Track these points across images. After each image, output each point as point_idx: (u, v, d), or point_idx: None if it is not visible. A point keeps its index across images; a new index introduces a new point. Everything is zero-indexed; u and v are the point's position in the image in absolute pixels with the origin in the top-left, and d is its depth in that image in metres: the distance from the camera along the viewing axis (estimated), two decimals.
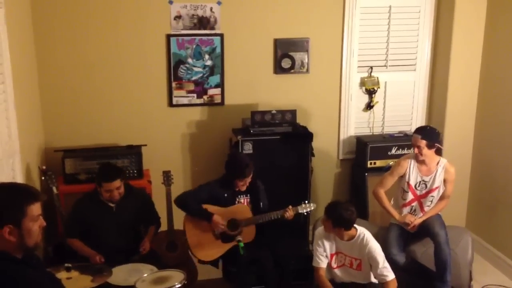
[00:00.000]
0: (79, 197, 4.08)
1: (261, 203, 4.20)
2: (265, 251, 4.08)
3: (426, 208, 4.22)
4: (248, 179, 4.11)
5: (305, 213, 4.19)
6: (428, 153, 4.13)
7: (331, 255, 3.73)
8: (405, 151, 4.99)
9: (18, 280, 2.10)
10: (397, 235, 4.20)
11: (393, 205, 4.34)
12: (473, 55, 5.15)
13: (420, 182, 4.20)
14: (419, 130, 4.20)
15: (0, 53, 3.47)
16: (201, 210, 4.07)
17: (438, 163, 4.20)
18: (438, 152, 4.25)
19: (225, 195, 4.14)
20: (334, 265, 3.75)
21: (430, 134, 4.15)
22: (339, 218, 3.57)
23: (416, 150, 4.12)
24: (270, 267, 4.03)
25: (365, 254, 3.64)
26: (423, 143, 4.09)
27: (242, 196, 4.21)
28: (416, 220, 4.17)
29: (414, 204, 4.24)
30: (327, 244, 3.72)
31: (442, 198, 4.25)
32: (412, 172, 4.20)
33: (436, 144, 4.15)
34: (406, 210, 4.25)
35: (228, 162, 4.25)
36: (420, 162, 4.19)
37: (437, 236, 4.05)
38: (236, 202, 4.19)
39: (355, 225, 3.66)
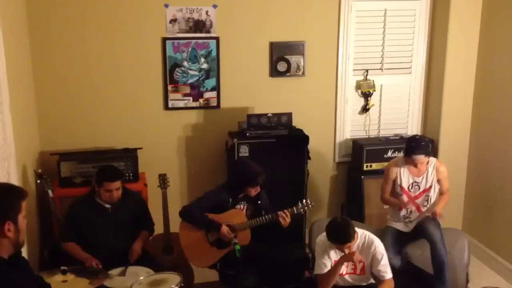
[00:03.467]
0: (74, 200, 4.06)
1: (263, 211, 4.18)
2: (269, 252, 4.10)
3: (423, 209, 4.23)
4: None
5: (302, 212, 4.19)
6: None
7: (335, 262, 3.71)
8: (401, 154, 4.99)
9: (1, 281, 2.09)
10: (393, 238, 4.20)
11: (389, 209, 4.35)
12: (469, 58, 5.17)
13: (412, 183, 4.22)
14: (420, 149, 4.11)
15: None
16: (207, 221, 4.06)
17: (427, 163, 4.23)
18: None
19: (229, 200, 4.14)
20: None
21: (428, 148, 4.20)
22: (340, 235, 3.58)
23: (418, 166, 4.17)
24: (279, 267, 4.06)
25: (369, 253, 3.66)
26: (426, 159, 4.17)
27: (243, 202, 4.20)
28: (438, 209, 4.17)
29: (409, 206, 4.25)
30: (332, 252, 3.70)
31: (441, 194, 4.28)
32: (403, 175, 4.22)
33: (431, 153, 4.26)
34: (402, 212, 4.26)
35: (238, 169, 4.25)
36: (410, 164, 4.22)
37: (432, 236, 4.06)
38: (237, 207, 4.19)
39: (355, 229, 3.65)
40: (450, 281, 4.04)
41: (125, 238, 4.03)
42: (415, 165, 4.17)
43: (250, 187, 4.07)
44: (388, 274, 3.67)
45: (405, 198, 4.22)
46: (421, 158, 4.13)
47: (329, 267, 3.68)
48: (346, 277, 3.74)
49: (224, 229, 4.02)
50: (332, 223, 3.63)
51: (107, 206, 3.98)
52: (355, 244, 3.66)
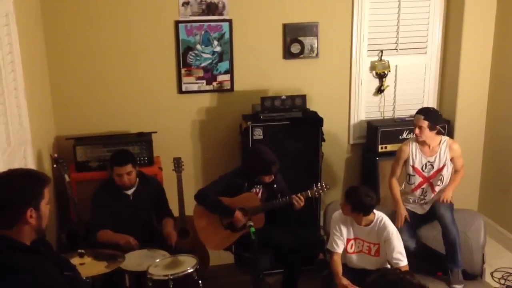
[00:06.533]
0: (97, 187, 4.10)
1: (279, 194, 4.17)
2: (284, 235, 4.12)
3: (437, 188, 4.20)
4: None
5: (316, 195, 4.19)
6: (429, 135, 4.12)
7: (348, 240, 3.73)
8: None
9: (22, 269, 2.11)
10: (407, 221, 4.18)
11: (402, 190, 4.32)
12: (485, 37, 5.09)
13: (426, 164, 4.18)
14: (422, 111, 4.18)
15: (10, 41, 3.48)
16: (222, 206, 4.09)
17: (440, 142, 4.19)
18: (439, 133, 4.24)
19: (245, 184, 4.15)
20: (350, 250, 3.75)
21: (433, 116, 4.14)
22: (359, 204, 3.57)
23: (417, 131, 4.11)
24: (294, 250, 4.08)
25: (382, 238, 3.65)
26: (425, 123, 4.08)
27: (258, 186, 4.20)
28: (447, 194, 4.11)
29: (425, 186, 4.22)
30: (344, 229, 3.71)
31: (456, 171, 4.24)
32: (416, 156, 4.19)
33: (437, 126, 4.16)
34: (417, 193, 4.23)
35: (252, 158, 4.23)
36: (422, 143, 4.18)
37: (443, 217, 4.04)
38: (252, 191, 4.20)
39: (374, 210, 3.66)
40: (462, 262, 4.01)
41: (144, 223, 4.08)
42: (419, 130, 4.09)
43: (264, 176, 4.08)
44: (403, 262, 3.63)
45: (418, 178, 4.20)
46: (418, 118, 4.08)
47: (340, 246, 3.70)
48: (357, 256, 3.74)
49: (238, 214, 4.04)
50: (356, 188, 3.68)
51: (128, 193, 4.01)
52: (369, 227, 3.66)
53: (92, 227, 4.02)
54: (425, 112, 4.15)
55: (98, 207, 4.03)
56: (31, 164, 3.76)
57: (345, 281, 3.56)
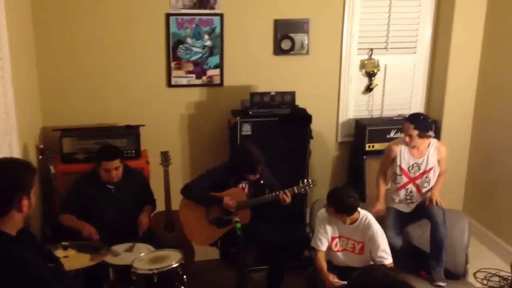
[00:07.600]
0: (79, 176, 4.07)
1: (267, 189, 4.17)
2: (270, 232, 4.12)
3: (423, 190, 4.23)
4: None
5: (303, 191, 4.19)
6: (419, 141, 4.12)
7: (333, 238, 3.74)
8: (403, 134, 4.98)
9: (10, 259, 2.10)
10: (394, 219, 4.21)
11: (389, 188, 4.34)
12: (474, 37, 5.12)
13: (413, 165, 4.20)
14: (412, 119, 4.12)
15: None
16: (209, 197, 4.08)
17: (429, 144, 4.20)
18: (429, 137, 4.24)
19: (231, 179, 4.15)
20: (335, 248, 3.76)
21: (423, 124, 4.11)
22: (341, 205, 3.59)
23: (407, 139, 4.10)
24: (279, 246, 4.09)
25: (367, 236, 3.66)
26: (414, 132, 4.06)
27: (245, 181, 4.20)
28: (434, 194, 4.13)
29: (409, 186, 4.23)
30: (328, 228, 3.72)
31: (438, 176, 4.26)
32: (404, 156, 4.19)
33: (427, 134, 4.13)
34: (402, 193, 4.25)
35: (239, 155, 4.22)
36: (411, 146, 4.20)
37: (434, 216, 4.06)
38: (238, 186, 4.19)
39: (358, 209, 3.67)
40: (447, 264, 4.04)
41: (127, 217, 4.03)
42: (409, 138, 4.09)
43: (249, 174, 4.08)
44: (387, 260, 3.63)
45: (404, 178, 4.21)
46: (408, 127, 4.07)
47: (324, 244, 3.71)
48: (342, 254, 3.75)
49: (226, 200, 4.03)
50: (337, 190, 3.69)
51: (110, 187, 3.98)
52: (354, 225, 3.68)
53: (59, 208, 4.04)
54: (415, 121, 4.10)
55: (72, 193, 4.00)
56: (16, 154, 3.73)
57: (331, 277, 3.57)
